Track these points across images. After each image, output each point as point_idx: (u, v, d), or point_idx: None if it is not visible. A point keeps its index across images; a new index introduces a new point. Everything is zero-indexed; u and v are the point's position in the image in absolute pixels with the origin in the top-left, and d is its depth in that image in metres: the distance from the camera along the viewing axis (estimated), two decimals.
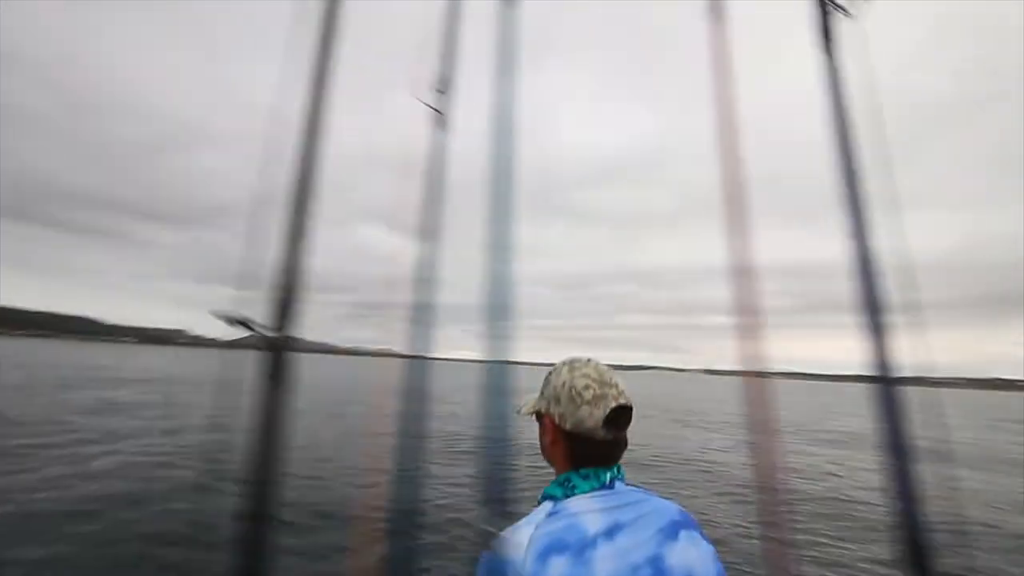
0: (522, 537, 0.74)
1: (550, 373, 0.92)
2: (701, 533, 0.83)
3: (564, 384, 0.86)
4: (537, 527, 0.75)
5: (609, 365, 0.91)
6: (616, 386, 0.85)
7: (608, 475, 0.83)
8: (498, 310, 1.13)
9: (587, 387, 0.84)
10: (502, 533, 0.77)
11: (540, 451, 0.92)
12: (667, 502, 0.85)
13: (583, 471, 0.83)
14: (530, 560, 0.71)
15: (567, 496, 0.81)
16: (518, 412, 0.99)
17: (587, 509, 0.78)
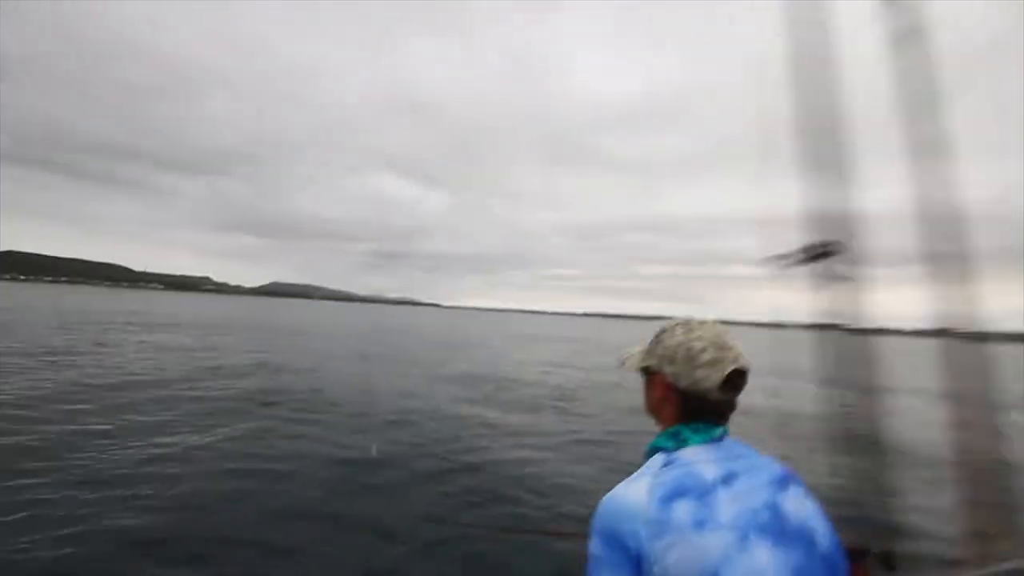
0: (642, 485, 0.76)
1: (662, 331, 0.92)
2: (806, 490, 0.83)
3: (680, 345, 0.86)
4: (655, 476, 0.78)
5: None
6: (733, 349, 0.85)
7: (719, 430, 0.85)
8: None
9: (704, 350, 0.84)
10: (618, 484, 0.79)
11: (645, 404, 0.94)
12: (772, 459, 0.86)
13: (694, 425, 0.84)
14: (654, 506, 0.73)
15: (678, 448, 0.82)
16: (621, 365, 0.98)
17: (702, 459, 0.80)
